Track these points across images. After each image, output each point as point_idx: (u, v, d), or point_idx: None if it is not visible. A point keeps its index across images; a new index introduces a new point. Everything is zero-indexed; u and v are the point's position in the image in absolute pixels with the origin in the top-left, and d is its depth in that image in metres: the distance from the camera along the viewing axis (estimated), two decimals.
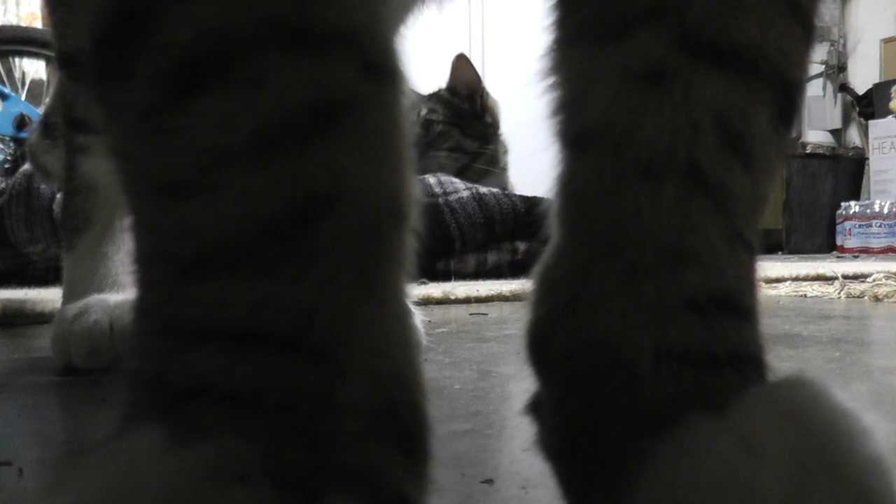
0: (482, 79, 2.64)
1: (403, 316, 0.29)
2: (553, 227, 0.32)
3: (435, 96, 2.54)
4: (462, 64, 2.54)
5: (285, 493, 0.24)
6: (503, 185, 2.49)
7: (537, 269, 0.32)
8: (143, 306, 0.29)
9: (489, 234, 2.07)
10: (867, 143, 4.12)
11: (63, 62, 0.88)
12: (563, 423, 0.30)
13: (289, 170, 0.26)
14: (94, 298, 0.78)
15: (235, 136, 0.26)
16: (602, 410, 0.29)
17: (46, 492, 0.24)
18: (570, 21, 0.33)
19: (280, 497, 0.23)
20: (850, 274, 1.81)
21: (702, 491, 0.25)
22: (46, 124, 1.17)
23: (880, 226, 3.79)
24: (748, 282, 0.31)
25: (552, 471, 0.30)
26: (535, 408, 0.31)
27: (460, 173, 2.37)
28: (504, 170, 2.58)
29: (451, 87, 2.55)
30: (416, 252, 0.30)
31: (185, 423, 0.25)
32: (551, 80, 0.33)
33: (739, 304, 0.30)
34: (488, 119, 2.56)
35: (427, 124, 2.49)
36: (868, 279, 1.65)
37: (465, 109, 2.53)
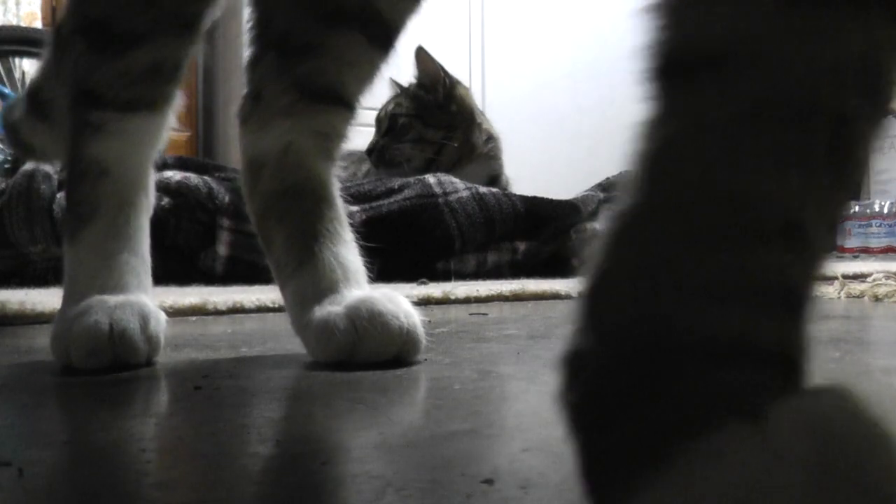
0: (472, 77, 2.67)
1: None
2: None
3: (404, 91, 2.60)
4: (422, 56, 2.58)
5: None
6: (494, 174, 2.52)
7: (609, 225, 0.30)
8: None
9: (489, 234, 2.07)
10: None
11: (86, 30, 0.79)
12: (597, 392, 0.28)
13: None
14: (95, 299, 0.75)
15: None
16: (643, 394, 0.27)
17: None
18: None
19: None
20: (850, 274, 1.81)
21: (719, 499, 0.24)
22: (35, 100, 1.01)
23: (880, 226, 3.78)
24: (808, 274, 0.29)
25: (569, 436, 0.29)
26: (573, 360, 0.29)
27: (430, 163, 2.42)
28: (492, 157, 2.60)
29: (420, 82, 2.60)
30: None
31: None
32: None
33: (797, 298, 0.29)
34: (454, 108, 2.58)
35: (393, 118, 2.54)
36: (868, 279, 1.64)
37: (430, 101, 2.57)
